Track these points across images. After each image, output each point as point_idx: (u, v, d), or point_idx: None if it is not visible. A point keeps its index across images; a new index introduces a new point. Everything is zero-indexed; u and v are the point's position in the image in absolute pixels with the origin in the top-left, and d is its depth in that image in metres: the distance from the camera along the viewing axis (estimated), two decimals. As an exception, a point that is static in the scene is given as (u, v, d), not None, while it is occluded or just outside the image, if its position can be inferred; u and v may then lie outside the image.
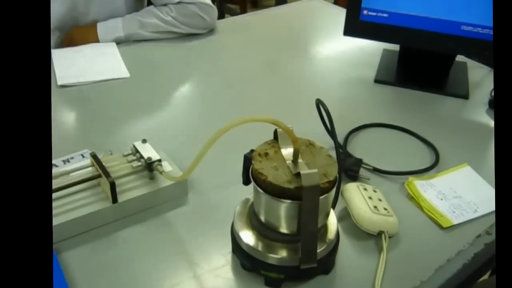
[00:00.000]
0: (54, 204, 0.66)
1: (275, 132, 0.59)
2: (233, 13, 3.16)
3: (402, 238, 0.68)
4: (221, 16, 2.91)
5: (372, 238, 0.67)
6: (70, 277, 0.60)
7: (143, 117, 0.96)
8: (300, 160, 0.55)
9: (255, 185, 0.55)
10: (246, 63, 1.19)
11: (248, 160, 0.58)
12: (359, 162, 0.80)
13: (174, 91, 1.06)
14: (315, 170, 0.52)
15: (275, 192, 0.53)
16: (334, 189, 0.56)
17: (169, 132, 0.90)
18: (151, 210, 0.70)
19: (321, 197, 0.53)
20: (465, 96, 1.05)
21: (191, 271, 0.62)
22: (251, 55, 1.24)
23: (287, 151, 0.57)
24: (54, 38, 1.24)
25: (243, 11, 3.47)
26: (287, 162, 0.55)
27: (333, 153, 0.59)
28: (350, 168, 0.78)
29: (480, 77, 1.14)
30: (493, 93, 1.04)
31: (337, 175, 0.55)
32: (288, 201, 0.53)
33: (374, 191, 0.72)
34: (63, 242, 0.64)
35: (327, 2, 1.63)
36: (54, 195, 0.66)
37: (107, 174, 0.65)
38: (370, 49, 1.22)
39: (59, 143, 0.84)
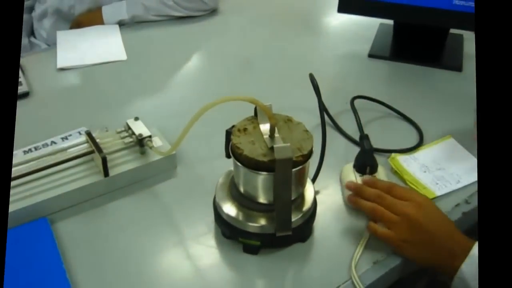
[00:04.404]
0: (51, 178, 0.70)
1: (255, 109, 0.62)
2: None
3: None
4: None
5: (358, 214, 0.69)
6: (63, 246, 0.64)
7: (138, 97, 0.99)
8: (277, 135, 0.58)
9: (233, 159, 0.59)
10: (242, 41, 1.21)
11: (229, 135, 0.61)
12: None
13: (170, 72, 1.08)
14: (288, 144, 0.55)
15: (251, 164, 0.56)
16: (308, 162, 0.58)
17: (163, 110, 0.93)
18: (142, 183, 0.74)
19: (294, 169, 0.56)
20: (459, 68, 1.05)
21: (175, 238, 0.66)
22: (248, 34, 1.25)
23: (265, 127, 0.59)
24: (51, 21, 1.26)
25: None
26: (265, 137, 0.58)
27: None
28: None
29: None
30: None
31: (311, 149, 0.58)
32: (263, 173, 0.56)
33: None
34: (57, 214, 0.68)
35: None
36: (51, 170, 0.70)
37: (99, 150, 0.69)
38: (366, 23, 1.22)
39: (58, 123, 0.88)
